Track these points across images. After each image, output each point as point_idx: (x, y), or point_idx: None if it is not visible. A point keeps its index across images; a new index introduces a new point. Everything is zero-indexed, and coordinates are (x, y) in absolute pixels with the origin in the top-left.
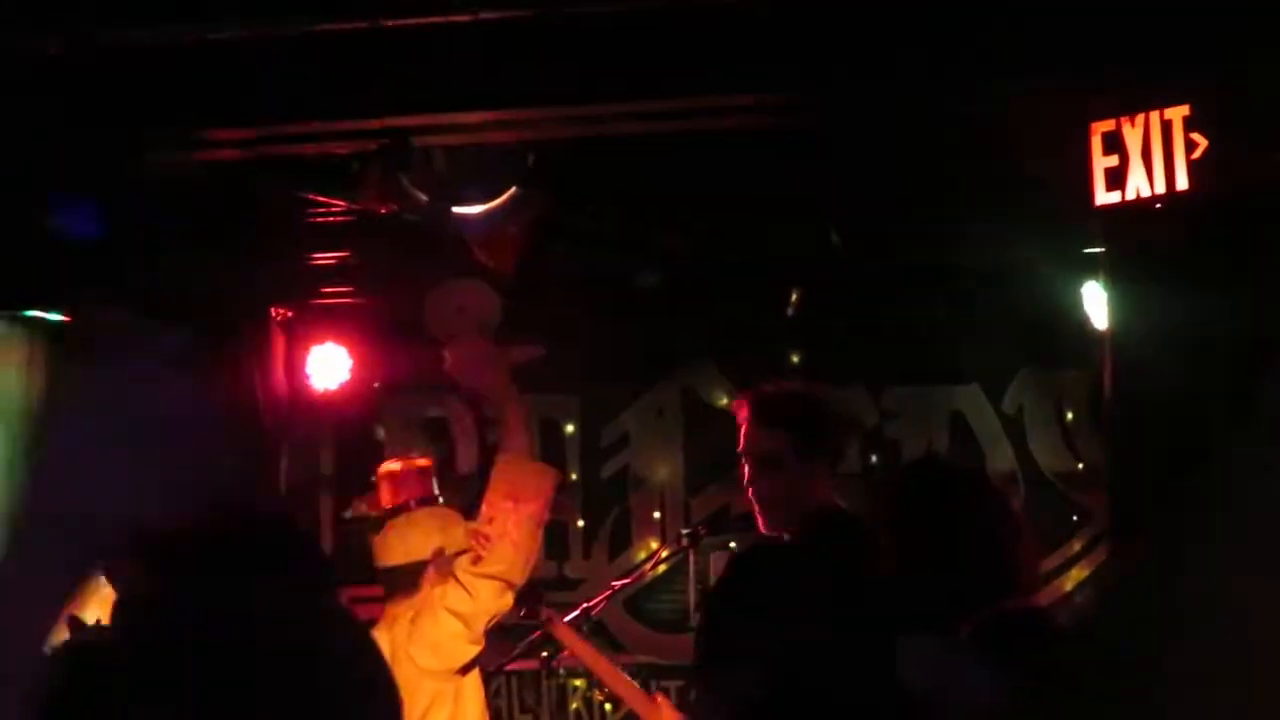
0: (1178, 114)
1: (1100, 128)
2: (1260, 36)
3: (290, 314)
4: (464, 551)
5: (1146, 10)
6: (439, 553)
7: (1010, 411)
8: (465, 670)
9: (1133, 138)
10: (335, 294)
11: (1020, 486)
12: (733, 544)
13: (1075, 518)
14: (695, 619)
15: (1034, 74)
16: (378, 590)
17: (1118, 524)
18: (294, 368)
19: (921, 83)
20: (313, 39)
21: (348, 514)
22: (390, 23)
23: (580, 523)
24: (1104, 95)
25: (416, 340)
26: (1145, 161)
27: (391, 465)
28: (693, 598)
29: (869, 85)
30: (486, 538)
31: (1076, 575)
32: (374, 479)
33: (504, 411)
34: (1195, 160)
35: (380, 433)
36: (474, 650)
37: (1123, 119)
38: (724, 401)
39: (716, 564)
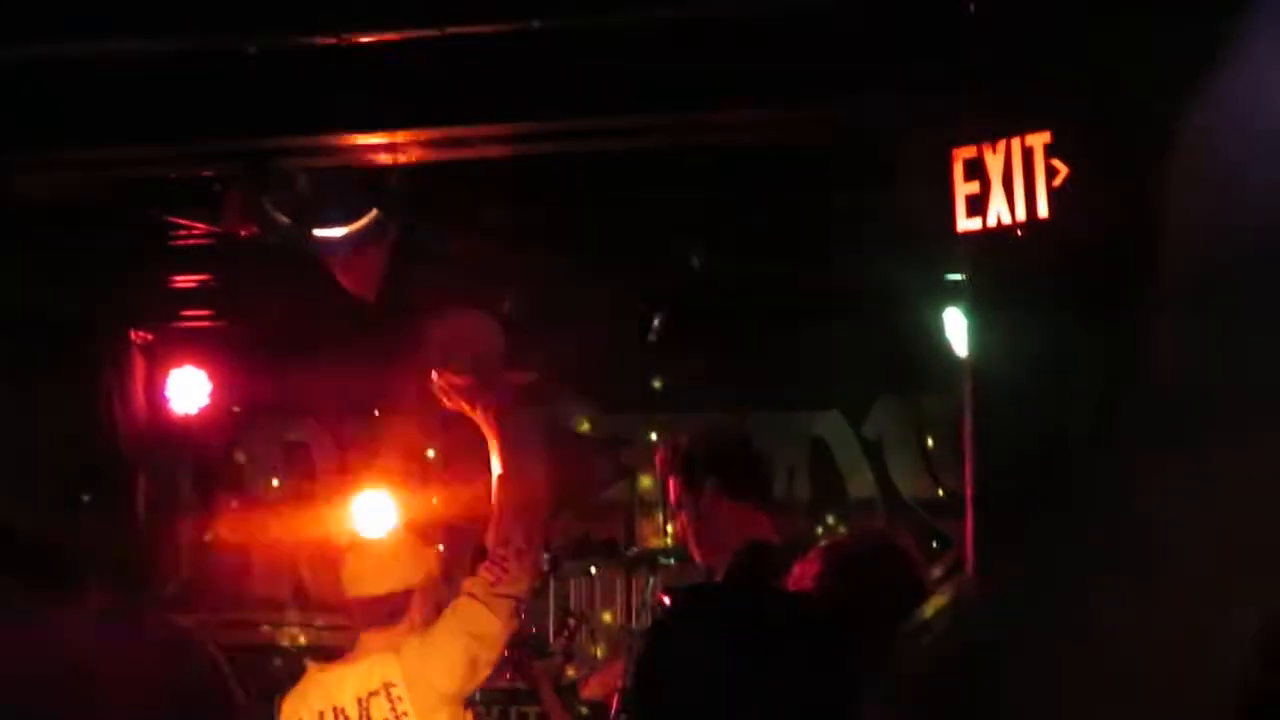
0: (1039, 140)
1: (962, 154)
2: (1122, 63)
3: (150, 337)
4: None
5: (1009, 36)
6: (428, 579)
7: (871, 437)
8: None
9: (994, 164)
10: (195, 317)
11: (880, 512)
12: (593, 569)
13: (935, 544)
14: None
15: (896, 99)
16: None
17: (978, 550)
18: (153, 391)
19: (783, 106)
20: (174, 58)
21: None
22: (252, 43)
23: (440, 547)
24: (966, 121)
25: (276, 363)
26: (1006, 188)
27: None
28: (553, 622)
29: (730, 108)
30: (504, 559)
31: (936, 601)
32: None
33: (494, 436)
34: (1056, 187)
35: (240, 456)
36: (488, 673)
37: (984, 145)
38: (585, 427)
39: (576, 588)
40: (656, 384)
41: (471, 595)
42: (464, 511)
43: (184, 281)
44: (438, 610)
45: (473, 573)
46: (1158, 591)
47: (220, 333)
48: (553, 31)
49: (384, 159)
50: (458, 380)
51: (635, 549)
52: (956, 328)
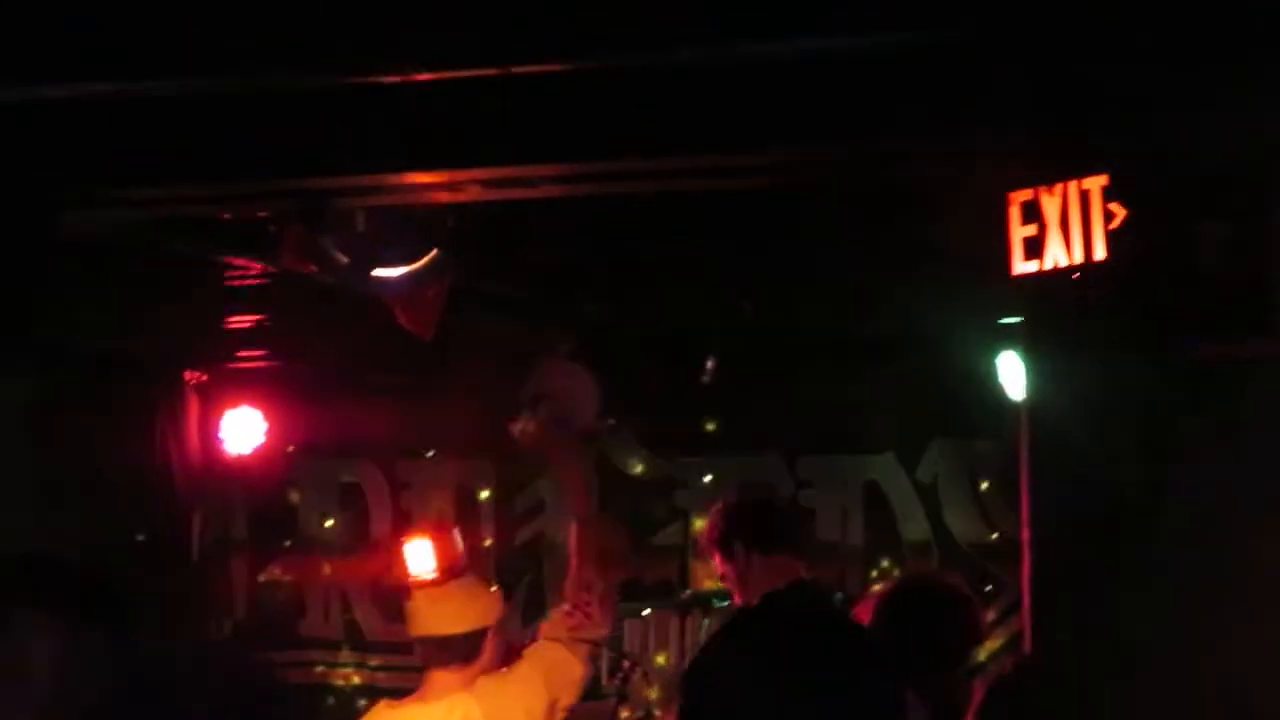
0: (1096, 184)
1: (1018, 197)
2: (1179, 106)
3: (204, 377)
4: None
5: (1065, 80)
6: (499, 620)
7: (925, 480)
8: None
9: (1051, 207)
10: (250, 357)
11: (934, 555)
12: (646, 611)
13: (989, 587)
14: (613, 686)
15: (952, 142)
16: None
17: (1034, 594)
18: (208, 431)
19: (838, 150)
20: (231, 96)
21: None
22: (308, 82)
23: (493, 588)
24: (1022, 164)
25: (330, 404)
26: (1063, 231)
27: (421, 534)
28: (606, 665)
29: (785, 151)
30: (588, 603)
31: (990, 645)
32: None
33: (569, 480)
34: (1113, 230)
35: (294, 497)
36: (563, 717)
37: (1041, 189)
38: (639, 469)
39: (630, 631)
40: (710, 427)
41: (554, 639)
42: (519, 552)
43: (239, 322)
44: (502, 652)
45: (547, 617)
46: (1222, 629)
47: (275, 373)
48: (611, 71)
49: (442, 198)
50: (541, 426)
51: (689, 591)
52: (1011, 371)
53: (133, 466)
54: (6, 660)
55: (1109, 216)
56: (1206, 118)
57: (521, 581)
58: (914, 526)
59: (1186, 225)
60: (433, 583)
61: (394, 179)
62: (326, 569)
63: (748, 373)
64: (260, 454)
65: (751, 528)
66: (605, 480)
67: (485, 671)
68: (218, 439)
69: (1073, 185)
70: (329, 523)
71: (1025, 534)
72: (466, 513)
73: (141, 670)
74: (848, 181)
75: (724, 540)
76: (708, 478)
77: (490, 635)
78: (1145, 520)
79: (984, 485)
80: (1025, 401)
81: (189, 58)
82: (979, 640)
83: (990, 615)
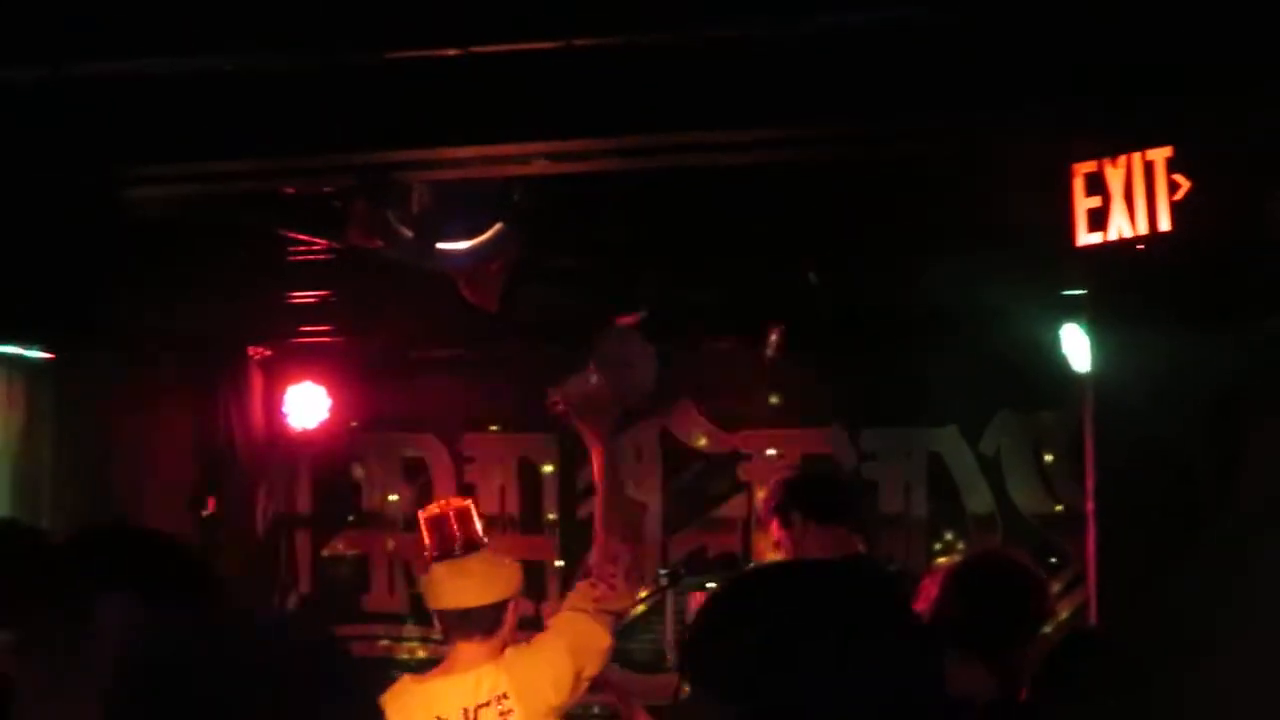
0: (1160, 155)
1: (1082, 169)
2: (1243, 78)
3: (269, 353)
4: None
5: (1129, 51)
6: (519, 592)
7: (988, 453)
8: None
9: (1115, 179)
10: (314, 333)
11: (998, 528)
12: (710, 584)
13: (1053, 559)
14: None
15: (1016, 114)
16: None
17: (1099, 566)
18: (272, 407)
19: (903, 122)
20: (297, 71)
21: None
22: (377, 56)
23: (558, 563)
24: (1086, 136)
25: (394, 379)
26: (1127, 202)
27: (437, 508)
28: (670, 638)
29: (851, 123)
30: (613, 575)
31: (1055, 618)
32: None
33: (596, 452)
34: (1178, 201)
35: (358, 471)
36: (586, 687)
37: (1105, 160)
38: (702, 442)
39: (695, 604)
40: (774, 399)
41: (580, 610)
42: (582, 526)
43: (302, 297)
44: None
45: (573, 588)
46: None
47: (338, 348)
48: (674, 44)
49: (508, 171)
50: (584, 391)
51: (753, 563)
52: (1074, 342)
53: (198, 442)
54: (78, 642)
55: (1173, 188)
56: (1272, 87)
57: (586, 556)
58: (977, 499)
59: (1253, 196)
60: (453, 556)
61: (458, 152)
62: (390, 543)
63: (811, 346)
64: (324, 429)
65: (810, 499)
66: (669, 453)
67: (507, 643)
68: (282, 414)
69: (1137, 157)
70: (393, 497)
71: (1090, 506)
72: (529, 487)
73: (213, 642)
74: (913, 153)
75: (782, 509)
76: (771, 451)
77: (512, 607)
78: (1214, 495)
79: (1048, 458)
80: (1090, 374)
81: (254, 32)
82: (1047, 616)
83: (1055, 587)
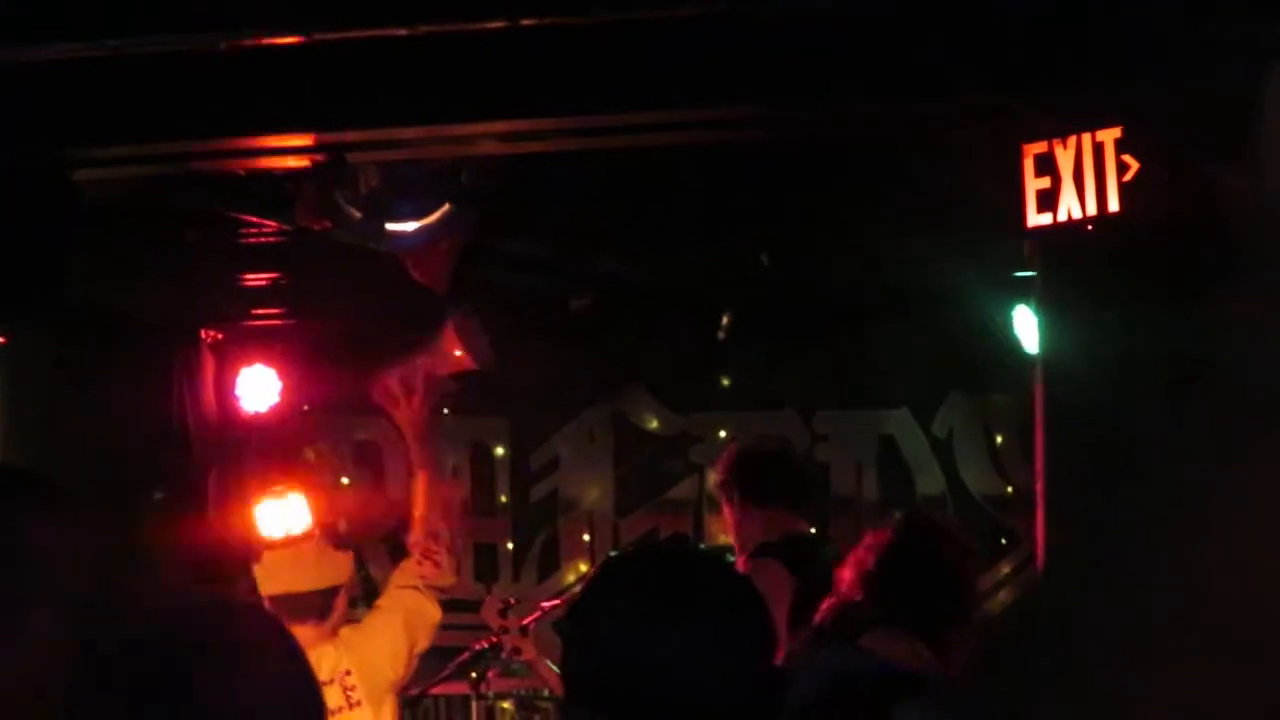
0: (1110, 136)
1: (1032, 149)
2: (1191, 58)
3: (220, 335)
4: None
5: (1078, 32)
6: (352, 576)
7: (940, 435)
8: None
9: (1065, 159)
10: (266, 315)
11: (949, 509)
12: None
13: (1004, 541)
14: None
15: (965, 96)
16: None
17: (1048, 546)
18: (223, 389)
19: (853, 104)
20: (244, 52)
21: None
22: (323, 36)
23: (509, 545)
24: (1036, 117)
25: (346, 361)
26: (1077, 183)
27: (275, 496)
28: None
29: (801, 106)
30: (436, 553)
31: (1004, 598)
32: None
33: (415, 430)
34: (1127, 182)
35: (310, 455)
36: (415, 663)
37: (1055, 141)
38: (654, 425)
39: None
40: (725, 382)
41: (410, 587)
42: (534, 509)
43: (254, 280)
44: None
45: (399, 566)
46: (1237, 581)
47: (291, 331)
48: (623, 24)
49: (456, 152)
50: (424, 381)
51: (704, 545)
52: (1025, 324)
53: (149, 424)
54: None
55: (1123, 168)
56: (1221, 70)
57: (538, 538)
58: (929, 480)
59: (1202, 176)
60: (286, 542)
61: (406, 133)
62: (342, 526)
63: (764, 328)
64: (276, 412)
65: (748, 479)
66: (621, 436)
67: (338, 627)
68: (234, 397)
69: (1086, 137)
70: (345, 480)
71: (1040, 487)
72: (482, 470)
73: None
74: (863, 136)
75: (724, 487)
76: (723, 433)
77: (343, 593)
78: (1161, 472)
79: (999, 439)
80: (1039, 355)
81: (200, 13)
82: (974, 583)
83: (1005, 569)
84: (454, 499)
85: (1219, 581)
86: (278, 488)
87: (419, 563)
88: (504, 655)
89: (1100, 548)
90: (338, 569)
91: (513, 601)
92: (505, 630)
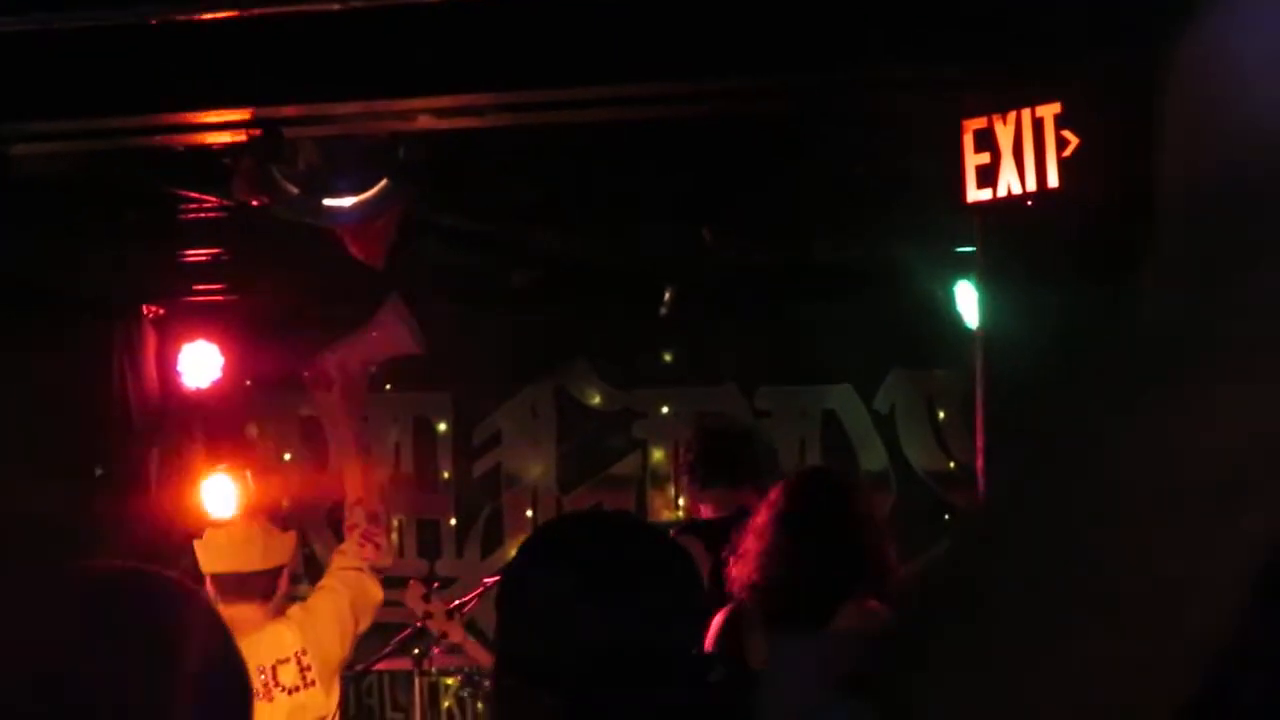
0: (1049, 111)
1: (972, 125)
2: (1131, 34)
3: (162, 311)
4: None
5: (1018, 7)
6: (294, 556)
7: (882, 411)
8: None
9: (1004, 135)
10: (207, 291)
11: (892, 485)
12: None
13: (946, 516)
14: None
15: (906, 71)
16: None
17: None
18: (165, 365)
19: (794, 79)
20: (181, 27)
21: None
22: (260, 10)
23: (452, 521)
24: (976, 92)
25: (288, 337)
26: (1017, 159)
27: (217, 474)
28: None
29: (739, 80)
30: (376, 534)
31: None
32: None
33: (350, 415)
34: (1066, 158)
35: (252, 431)
36: (357, 641)
37: (994, 116)
38: (597, 400)
39: None
40: (668, 357)
41: (353, 568)
42: (477, 485)
43: (196, 256)
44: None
45: (339, 548)
46: (1174, 556)
47: (232, 307)
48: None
49: (392, 127)
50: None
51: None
52: (967, 300)
53: (90, 401)
54: None
55: (1062, 144)
56: (1161, 45)
57: (481, 514)
58: (872, 456)
59: (1140, 152)
60: (229, 521)
61: (342, 108)
62: (285, 503)
63: (706, 304)
64: (218, 388)
65: (693, 462)
66: (564, 412)
67: (280, 609)
68: (175, 373)
69: (1026, 113)
70: (287, 456)
71: (980, 463)
72: (424, 445)
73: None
74: (805, 111)
75: (679, 474)
76: (665, 409)
77: (286, 572)
78: (1101, 447)
79: (942, 415)
80: (980, 330)
81: None
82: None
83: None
84: (391, 480)
85: (1138, 560)
86: (220, 466)
87: (360, 545)
88: (433, 635)
89: (1022, 522)
90: (281, 548)
91: (435, 585)
92: (429, 615)
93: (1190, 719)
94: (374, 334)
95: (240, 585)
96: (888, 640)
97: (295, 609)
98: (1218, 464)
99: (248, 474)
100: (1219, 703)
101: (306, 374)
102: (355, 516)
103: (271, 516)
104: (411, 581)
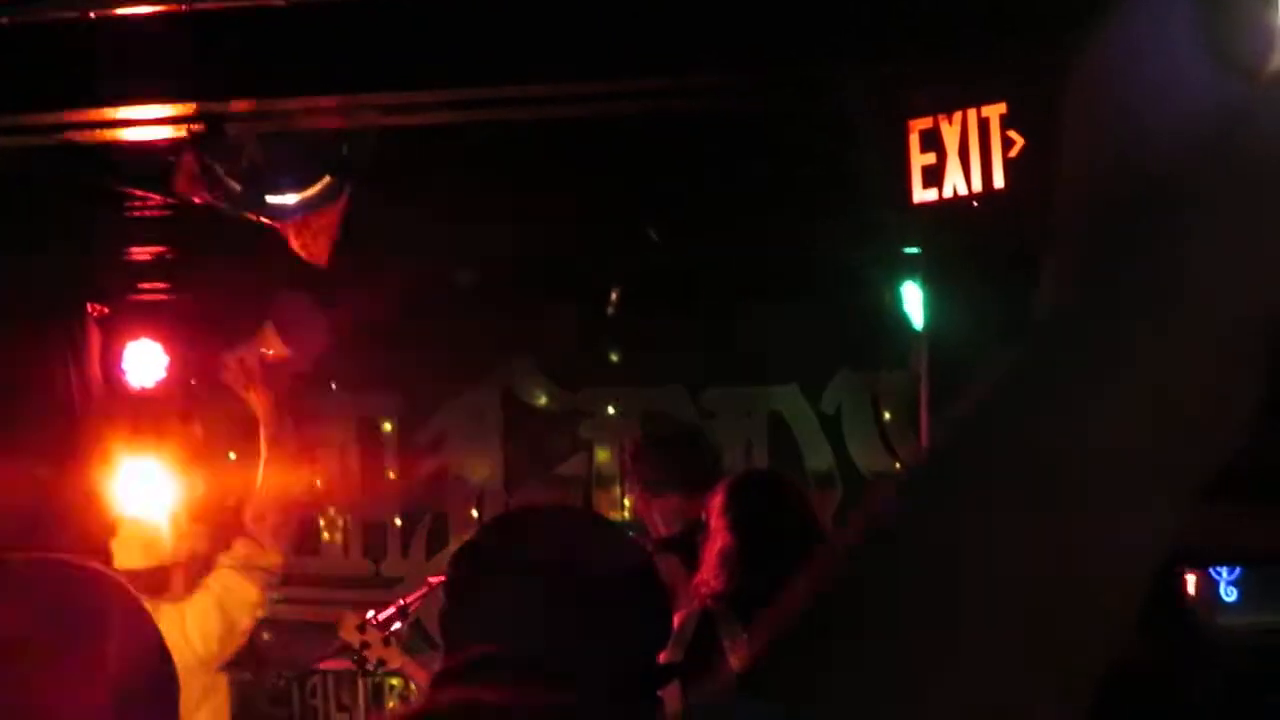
0: (995, 112)
1: (918, 125)
2: (1077, 35)
3: (106, 310)
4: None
5: (964, 8)
6: (191, 557)
7: (829, 411)
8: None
9: (950, 136)
10: (152, 290)
11: (838, 486)
12: None
13: None
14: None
15: (853, 71)
16: None
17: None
18: (109, 364)
19: (739, 78)
20: (121, 21)
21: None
22: (203, 5)
23: (398, 521)
24: (922, 93)
25: (232, 336)
26: (963, 159)
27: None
28: None
29: (686, 79)
30: (260, 534)
31: None
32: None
33: (270, 419)
34: (1012, 159)
35: (197, 429)
36: (243, 640)
37: (940, 116)
38: (543, 400)
39: None
40: (614, 358)
41: (229, 567)
42: (422, 484)
43: (140, 254)
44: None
45: (228, 548)
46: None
47: (176, 305)
48: None
49: (336, 124)
50: (261, 363)
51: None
52: (913, 301)
53: (34, 400)
54: None
55: (1008, 144)
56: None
57: (426, 514)
58: (818, 457)
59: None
60: (136, 519)
61: (285, 104)
62: (230, 501)
63: (652, 305)
64: (162, 386)
65: (643, 468)
66: (510, 412)
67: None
68: (120, 372)
69: (972, 113)
70: (232, 455)
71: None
72: (370, 445)
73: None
74: (751, 110)
75: (625, 479)
76: (612, 409)
77: (179, 572)
78: (1039, 448)
79: (888, 416)
80: (926, 331)
81: None
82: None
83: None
84: (303, 483)
85: (1042, 554)
86: (140, 462)
87: (243, 542)
88: (369, 668)
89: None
90: (175, 548)
91: (369, 616)
92: (366, 645)
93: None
94: (268, 331)
95: (133, 582)
96: (796, 633)
97: (166, 606)
98: (1111, 465)
99: (170, 468)
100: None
101: (219, 371)
102: (244, 514)
103: (196, 515)
104: (344, 614)
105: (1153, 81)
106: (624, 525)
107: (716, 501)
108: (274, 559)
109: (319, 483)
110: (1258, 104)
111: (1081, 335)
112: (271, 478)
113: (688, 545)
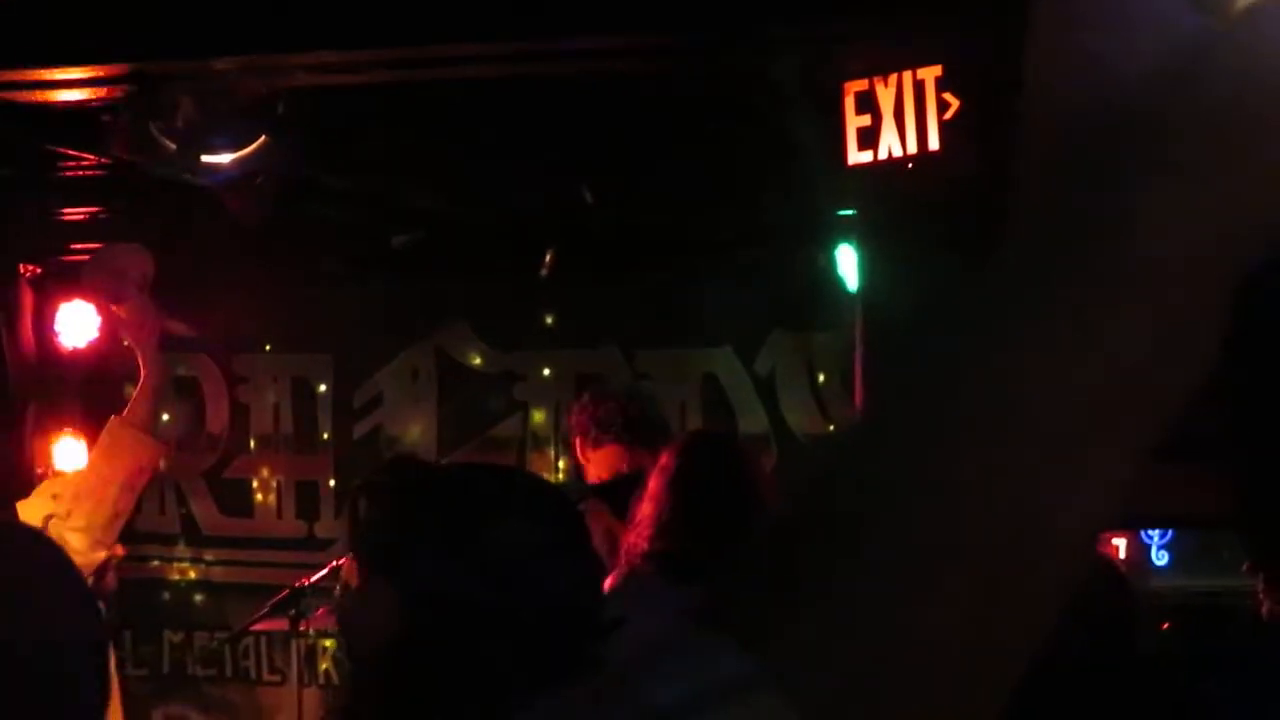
0: (930, 74)
1: (853, 87)
2: None
3: (39, 270)
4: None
5: None
6: (48, 519)
7: (762, 373)
8: None
9: (885, 98)
10: (85, 250)
11: (772, 448)
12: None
13: None
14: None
15: (788, 33)
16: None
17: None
18: (42, 325)
19: (674, 39)
20: None
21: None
22: None
23: (331, 482)
24: (858, 55)
25: (166, 297)
26: (898, 121)
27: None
28: None
29: (620, 40)
30: (61, 497)
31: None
32: None
33: (144, 378)
34: (947, 121)
35: (130, 391)
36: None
37: (876, 78)
38: (477, 362)
39: None
40: (549, 319)
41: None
42: (358, 446)
43: (73, 214)
44: None
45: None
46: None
47: None
48: None
49: (267, 84)
50: (136, 310)
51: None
52: (848, 263)
53: None
54: None
55: (943, 107)
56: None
57: (361, 476)
58: (752, 419)
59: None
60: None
61: (218, 64)
62: (161, 463)
63: (586, 266)
64: (95, 347)
65: (583, 419)
66: (444, 374)
67: None
68: (53, 332)
69: (907, 75)
70: (165, 416)
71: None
72: (304, 407)
73: None
74: (685, 72)
75: (571, 431)
76: (546, 371)
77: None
78: (975, 407)
79: (822, 377)
80: (860, 293)
81: None
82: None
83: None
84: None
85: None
86: (66, 428)
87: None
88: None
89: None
90: (39, 510)
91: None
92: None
93: (1030, 672)
94: (86, 279)
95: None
96: (745, 576)
97: None
98: (1065, 417)
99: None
100: (1054, 657)
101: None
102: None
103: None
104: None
105: (1123, 16)
106: (559, 485)
107: (663, 460)
108: (83, 521)
109: (253, 444)
110: (1227, 39)
111: (1040, 275)
112: (104, 438)
113: (621, 496)
